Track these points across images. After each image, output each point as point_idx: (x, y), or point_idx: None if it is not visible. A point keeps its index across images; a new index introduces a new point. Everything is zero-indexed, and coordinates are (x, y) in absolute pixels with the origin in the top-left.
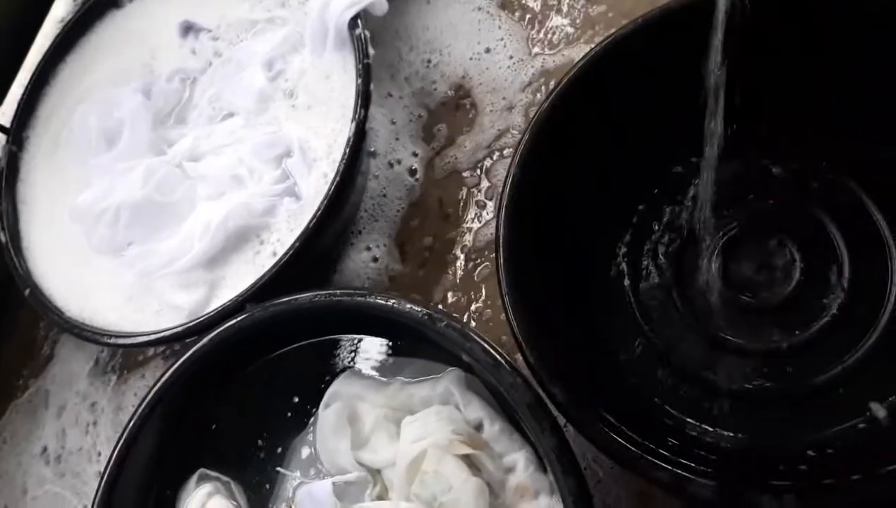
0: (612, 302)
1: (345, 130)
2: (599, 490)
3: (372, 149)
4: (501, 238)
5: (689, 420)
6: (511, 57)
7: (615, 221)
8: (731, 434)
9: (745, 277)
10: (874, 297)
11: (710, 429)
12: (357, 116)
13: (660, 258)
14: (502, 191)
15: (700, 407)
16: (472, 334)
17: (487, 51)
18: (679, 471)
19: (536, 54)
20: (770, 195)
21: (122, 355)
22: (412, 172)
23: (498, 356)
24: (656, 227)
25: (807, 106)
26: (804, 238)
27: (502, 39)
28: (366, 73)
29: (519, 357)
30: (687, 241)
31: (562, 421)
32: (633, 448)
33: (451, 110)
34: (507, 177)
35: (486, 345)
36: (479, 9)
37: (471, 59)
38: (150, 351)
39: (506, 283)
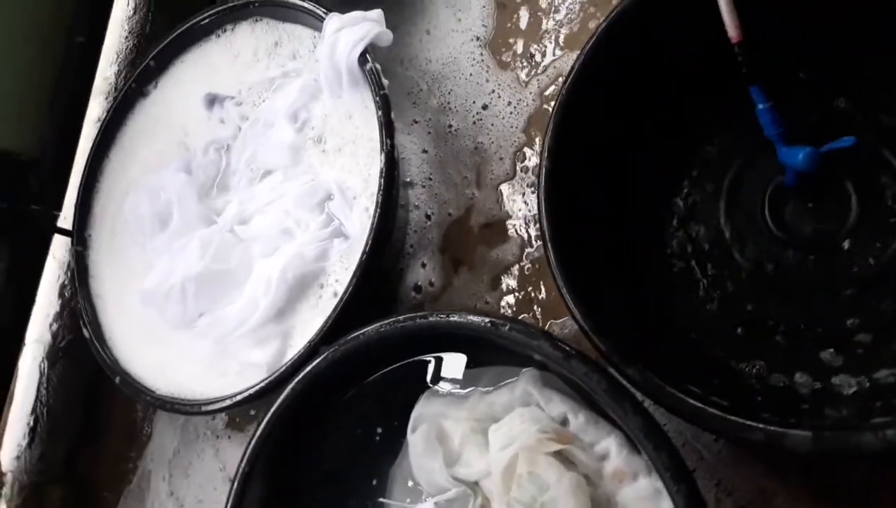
0: (668, 268)
1: (376, 163)
2: (702, 466)
3: (408, 179)
4: (545, 223)
5: (773, 374)
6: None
7: (664, 185)
8: (819, 383)
9: (807, 221)
10: None
11: (796, 380)
12: (385, 147)
13: (716, 218)
14: (539, 170)
15: (782, 361)
16: (538, 332)
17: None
18: (772, 427)
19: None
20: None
21: (215, 420)
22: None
23: (567, 348)
24: (709, 187)
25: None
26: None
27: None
28: (385, 104)
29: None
30: (744, 192)
31: (642, 399)
32: (718, 412)
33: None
34: (543, 148)
35: (553, 341)
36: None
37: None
38: (244, 412)
39: (559, 274)
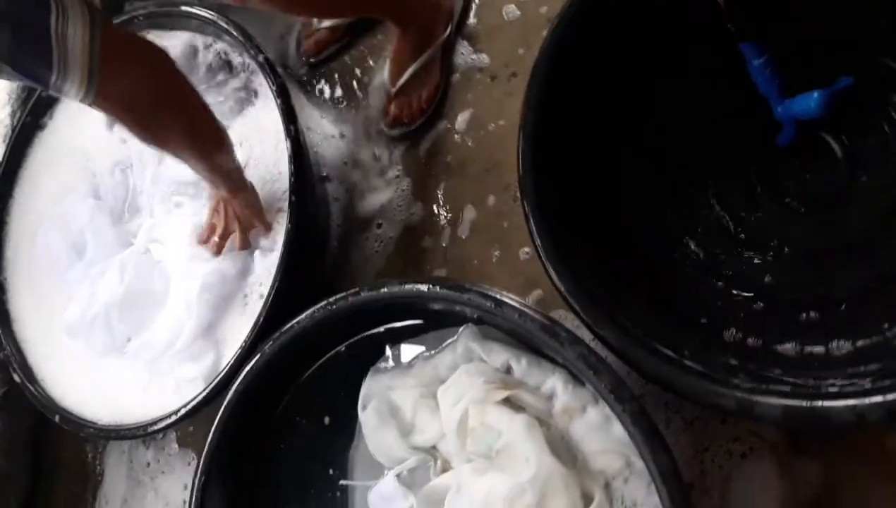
0: (647, 229)
1: (284, 159)
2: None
3: (325, 174)
4: (525, 180)
5: (749, 338)
6: None
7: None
8: (797, 348)
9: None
10: None
11: (772, 344)
12: (289, 133)
13: (702, 178)
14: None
15: (760, 325)
16: (467, 287)
17: None
18: (743, 395)
19: None
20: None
21: (147, 462)
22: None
23: (497, 296)
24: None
25: None
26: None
27: None
28: (283, 92)
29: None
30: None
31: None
32: (691, 379)
33: None
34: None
35: (482, 292)
36: None
37: None
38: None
39: (537, 233)
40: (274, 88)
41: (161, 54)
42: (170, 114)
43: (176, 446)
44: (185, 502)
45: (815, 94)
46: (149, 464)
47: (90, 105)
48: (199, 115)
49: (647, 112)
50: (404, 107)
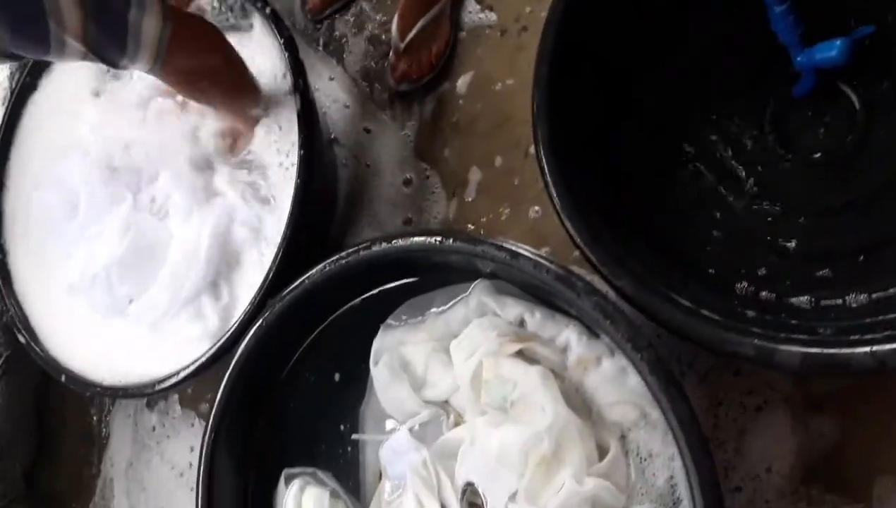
0: (663, 182)
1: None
2: (660, 345)
3: (333, 136)
4: (540, 131)
5: (763, 291)
6: None
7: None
8: (811, 300)
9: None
10: None
11: (787, 296)
12: (298, 87)
13: (717, 132)
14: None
15: (774, 278)
16: (481, 239)
17: None
18: (762, 342)
19: None
20: None
21: (153, 426)
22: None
23: (511, 247)
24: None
25: None
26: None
27: None
28: (290, 46)
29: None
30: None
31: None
32: (710, 326)
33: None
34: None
35: (497, 243)
36: None
37: None
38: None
39: (554, 186)
40: (281, 41)
41: (217, 34)
42: (219, 82)
43: (180, 409)
44: (190, 465)
45: (838, 42)
46: (154, 428)
47: (152, 73)
48: (240, 80)
49: (664, 61)
50: (413, 62)
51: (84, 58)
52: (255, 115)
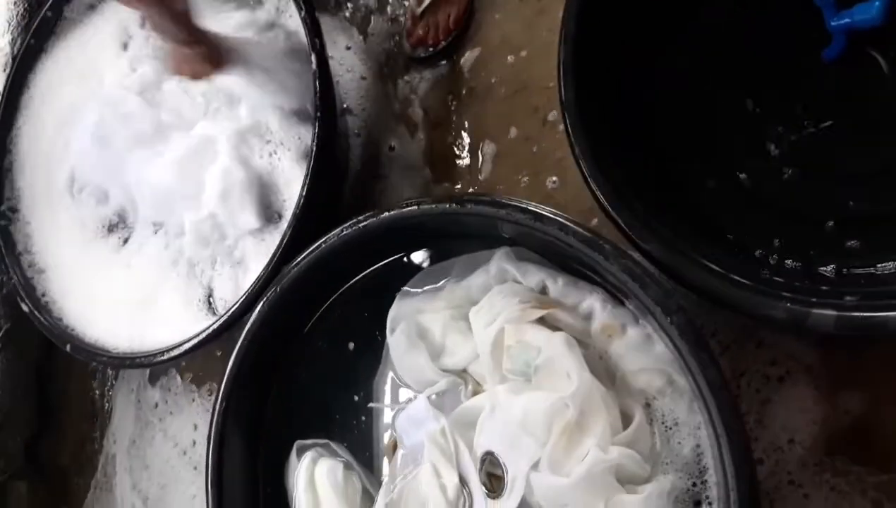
0: (689, 147)
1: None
2: None
3: (345, 105)
4: (565, 92)
5: (789, 259)
6: None
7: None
8: (839, 267)
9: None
10: None
11: (815, 263)
12: (314, 46)
13: (744, 94)
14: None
15: (800, 245)
16: (503, 201)
17: None
18: (796, 306)
19: None
20: None
21: (175, 378)
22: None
23: (535, 209)
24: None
25: None
26: None
27: None
28: (307, 3)
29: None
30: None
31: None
32: (742, 290)
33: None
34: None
35: (520, 205)
36: None
37: None
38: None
39: (580, 147)
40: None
41: None
42: None
43: (182, 384)
44: (194, 442)
45: (877, 2)
46: (157, 405)
47: None
48: None
49: (695, 22)
50: (431, 27)
51: None
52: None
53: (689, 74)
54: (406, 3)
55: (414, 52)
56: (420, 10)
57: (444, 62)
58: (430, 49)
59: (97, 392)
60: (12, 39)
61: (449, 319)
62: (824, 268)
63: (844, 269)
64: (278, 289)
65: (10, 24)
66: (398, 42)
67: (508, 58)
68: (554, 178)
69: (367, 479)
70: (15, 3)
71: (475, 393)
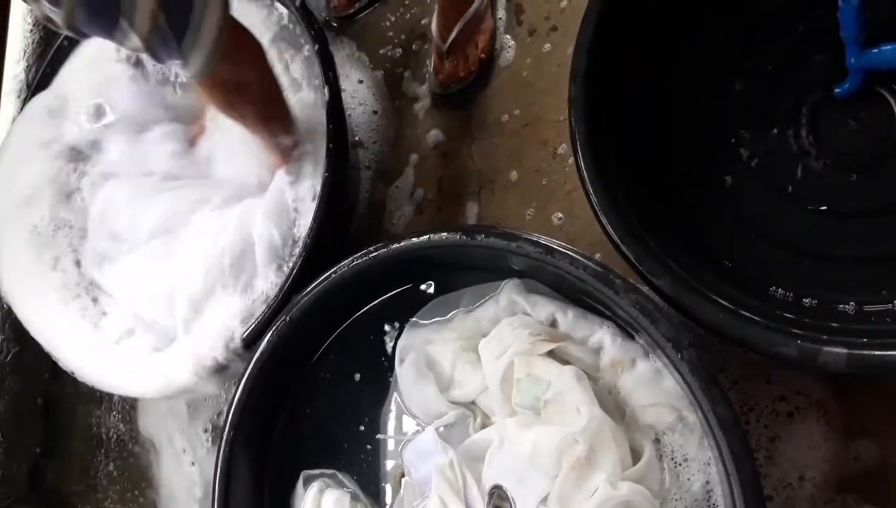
0: (698, 182)
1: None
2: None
3: (357, 138)
4: (576, 128)
5: (804, 297)
6: None
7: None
8: (851, 305)
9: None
10: None
11: (827, 301)
12: (328, 78)
13: (755, 131)
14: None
15: (812, 282)
16: (514, 233)
17: None
18: (807, 343)
19: None
20: None
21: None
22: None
23: (547, 242)
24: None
25: None
26: None
27: None
28: (320, 37)
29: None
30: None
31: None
32: (753, 326)
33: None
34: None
35: (531, 238)
36: None
37: None
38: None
39: (590, 180)
40: (312, 33)
41: (262, 49)
42: (256, 100)
43: (188, 414)
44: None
45: None
46: (165, 434)
47: (195, 79)
48: (275, 103)
49: (703, 58)
50: (460, 60)
51: (138, 52)
52: (287, 143)
53: (700, 109)
54: (430, 40)
55: (446, 89)
56: (446, 46)
57: (455, 96)
58: (463, 82)
59: (103, 418)
60: (27, 66)
61: (458, 350)
62: (838, 304)
63: (859, 306)
64: (288, 318)
65: (25, 52)
66: (423, 77)
67: (517, 90)
68: (559, 214)
69: None
70: (31, 30)
71: (484, 425)
